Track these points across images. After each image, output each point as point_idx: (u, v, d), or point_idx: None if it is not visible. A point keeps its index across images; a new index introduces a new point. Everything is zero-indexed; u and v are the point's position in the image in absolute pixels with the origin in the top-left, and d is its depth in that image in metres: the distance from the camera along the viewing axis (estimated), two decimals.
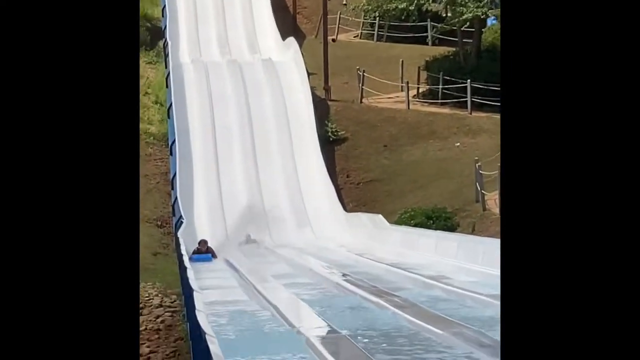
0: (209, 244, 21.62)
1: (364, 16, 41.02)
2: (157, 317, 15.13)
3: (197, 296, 10.56)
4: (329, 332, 10.18)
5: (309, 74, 31.54)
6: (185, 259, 15.56)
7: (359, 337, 9.47)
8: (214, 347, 7.21)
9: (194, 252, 20.21)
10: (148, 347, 13.27)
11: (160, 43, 36.36)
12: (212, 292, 12.98)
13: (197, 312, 9.18)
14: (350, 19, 41.86)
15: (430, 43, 38.92)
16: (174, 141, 27.38)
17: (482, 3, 31.89)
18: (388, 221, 23.22)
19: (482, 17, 32.61)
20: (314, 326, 10.70)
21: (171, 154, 27.58)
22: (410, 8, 34.06)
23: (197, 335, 8.77)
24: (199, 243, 21.43)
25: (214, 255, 21.09)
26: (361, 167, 29.42)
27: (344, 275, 16.70)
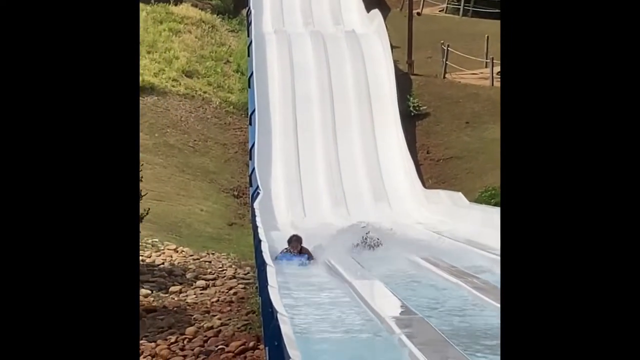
0: (294, 232, 17.21)
1: None
2: (230, 288, 14.91)
3: (270, 271, 10.29)
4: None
5: (392, 47, 31.12)
6: (261, 231, 15.32)
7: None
8: (285, 328, 6.91)
9: (282, 253, 16.22)
10: (219, 319, 13.06)
11: (244, 11, 36.27)
12: None
13: (269, 288, 8.91)
14: None
15: None
16: (253, 111, 27.24)
17: None
18: (468, 199, 22.82)
19: None
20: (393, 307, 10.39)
21: (250, 123, 27.45)
22: None
23: (268, 312, 8.49)
24: (290, 241, 16.49)
25: (310, 257, 16.19)
26: (442, 143, 28.97)
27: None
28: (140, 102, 25.92)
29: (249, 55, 30.77)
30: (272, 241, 16.73)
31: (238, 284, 15.33)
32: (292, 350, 6.18)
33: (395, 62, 31.01)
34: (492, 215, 19.93)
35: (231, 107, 30.25)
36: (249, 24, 32.91)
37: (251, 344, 11.56)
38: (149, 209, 15.69)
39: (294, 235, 16.57)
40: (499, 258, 15.25)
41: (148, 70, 29.93)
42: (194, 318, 13.21)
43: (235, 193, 25.11)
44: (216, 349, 11.67)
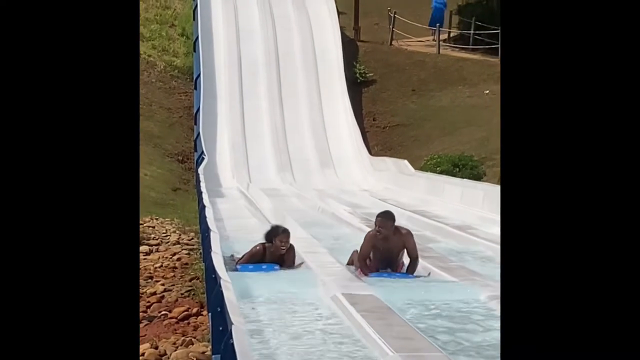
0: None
1: None
2: (174, 254, 14.77)
3: (213, 237, 10.20)
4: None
5: (339, 13, 31.01)
6: (205, 197, 15.21)
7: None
8: (228, 293, 6.85)
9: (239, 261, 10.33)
10: (163, 285, 12.94)
11: None
12: None
13: (212, 254, 8.83)
14: None
15: None
16: (199, 75, 27.06)
17: None
18: (413, 167, 22.90)
19: None
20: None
21: (195, 88, 27.25)
22: None
23: (211, 278, 8.42)
24: (274, 234, 10.24)
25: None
26: (388, 110, 29.01)
27: (366, 220, 16.34)
28: None
29: (194, 19, 30.49)
30: (217, 207, 16.64)
31: (182, 249, 15.20)
32: (234, 316, 6.11)
33: (342, 28, 30.93)
34: (437, 183, 20.05)
35: (176, 71, 30.01)
36: None
37: (194, 310, 11.47)
38: None
39: (279, 227, 10.46)
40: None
41: None
42: None
43: (180, 158, 24.96)
44: (159, 314, 11.57)
